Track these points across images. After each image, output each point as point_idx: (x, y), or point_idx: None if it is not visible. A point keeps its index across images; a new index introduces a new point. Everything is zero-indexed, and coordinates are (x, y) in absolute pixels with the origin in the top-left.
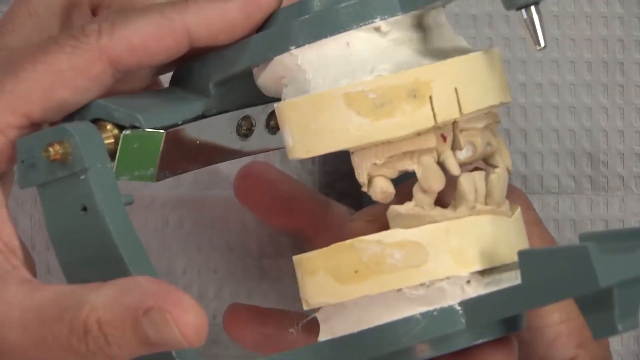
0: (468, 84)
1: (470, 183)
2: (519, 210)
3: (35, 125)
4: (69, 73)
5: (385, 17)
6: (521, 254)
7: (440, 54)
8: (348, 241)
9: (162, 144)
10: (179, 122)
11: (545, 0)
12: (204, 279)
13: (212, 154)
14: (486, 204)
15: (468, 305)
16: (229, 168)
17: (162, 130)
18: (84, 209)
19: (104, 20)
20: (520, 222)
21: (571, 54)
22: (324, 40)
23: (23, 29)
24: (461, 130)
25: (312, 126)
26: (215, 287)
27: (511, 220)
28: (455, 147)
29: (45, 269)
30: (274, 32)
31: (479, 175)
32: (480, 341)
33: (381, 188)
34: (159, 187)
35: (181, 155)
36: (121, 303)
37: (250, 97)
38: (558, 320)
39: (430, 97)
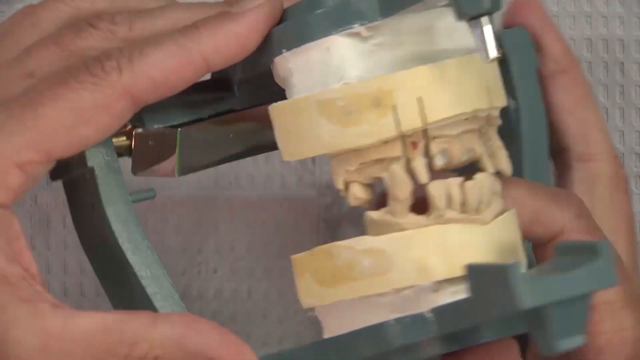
0: (434, 93)
1: (439, 190)
2: (505, 215)
3: (53, 162)
4: (92, 111)
5: (365, 22)
6: (469, 267)
7: (431, 59)
8: (326, 245)
9: (178, 141)
10: (198, 119)
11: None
12: (203, 278)
13: (239, 149)
14: (463, 211)
15: (437, 312)
16: (229, 169)
17: (177, 129)
18: (92, 205)
19: (121, 56)
20: (506, 227)
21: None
22: (308, 45)
23: (24, 41)
24: (433, 138)
25: (293, 131)
26: (215, 287)
27: (487, 228)
28: (427, 154)
29: (45, 269)
30: (275, 33)
31: (453, 182)
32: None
33: (354, 194)
34: (158, 187)
35: (206, 150)
36: (182, 346)
37: (275, 93)
38: (610, 329)
39: (394, 107)
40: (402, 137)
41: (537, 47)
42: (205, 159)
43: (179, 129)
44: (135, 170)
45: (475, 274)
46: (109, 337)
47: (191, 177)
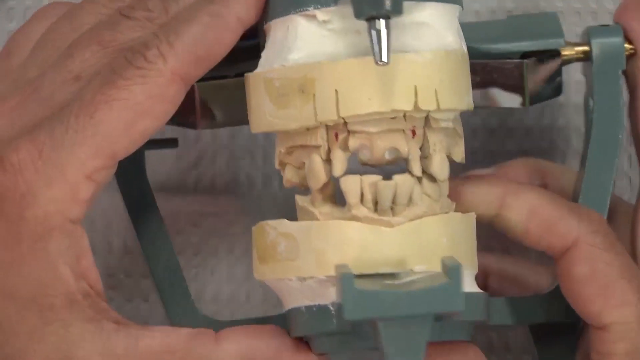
0: (352, 87)
1: (350, 186)
2: (426, 220)
3: (118, 163)
4: (147, 104)
5: (319, 6)
6: (338, 270)
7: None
8: (262, 222)
9: (197, 95)
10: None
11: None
12: (201, 280)
13: None
14: (376, 210)
15: (336, 307)
16: (228, 169)
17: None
18: None
19: (159, 42)
20: (424, 231)
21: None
22: (276, 20)
23: (64, 44)
24: (353, 132)
25: (251, 104)
26: (212, 290)
27: (392, 230)
28: (343, 147)
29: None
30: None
31: (365, 180)
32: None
33: (286, 176)
34: (158, 187)
35: (225, 107)
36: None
37: None
38: (623, 351)
39: (314, 95)
40: (327, 127)
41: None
42: (236, 116)
43: (196, 83)
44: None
45: (339, 277)
46: (174, 358)
47: (191, 177)
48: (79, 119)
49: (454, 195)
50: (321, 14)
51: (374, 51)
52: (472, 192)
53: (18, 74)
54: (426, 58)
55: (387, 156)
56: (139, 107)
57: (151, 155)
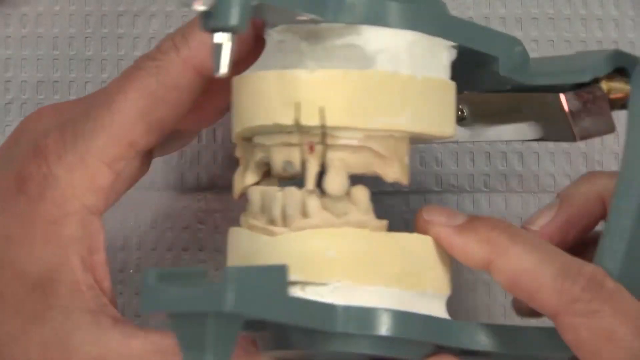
0: (247, 101)
1: (251, 195)
2: (299, 234)
3: (139, 154)
4: (161, 92)
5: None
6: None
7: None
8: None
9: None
10: None
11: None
12: None
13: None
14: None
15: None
16: (230, 169)
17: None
18: None
19: (174, 35)
20: (305, 243)
21: None
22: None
23: None
24: (257, 145)
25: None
26: None
27: (272, 240)
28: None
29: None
30: None
31: (255, 189)
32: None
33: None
34: (158, 186)
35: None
36: None
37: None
38: None
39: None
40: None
41: None
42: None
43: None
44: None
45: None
46: (164, 359)
47: (191, 177)
48: (99, 109)
49: (446, 243)
50: (274, 33)
51: (214, 63)
52: (461, 247)
53: None
54: (314, 76)
55: (289, 169)
56: (153, 96)
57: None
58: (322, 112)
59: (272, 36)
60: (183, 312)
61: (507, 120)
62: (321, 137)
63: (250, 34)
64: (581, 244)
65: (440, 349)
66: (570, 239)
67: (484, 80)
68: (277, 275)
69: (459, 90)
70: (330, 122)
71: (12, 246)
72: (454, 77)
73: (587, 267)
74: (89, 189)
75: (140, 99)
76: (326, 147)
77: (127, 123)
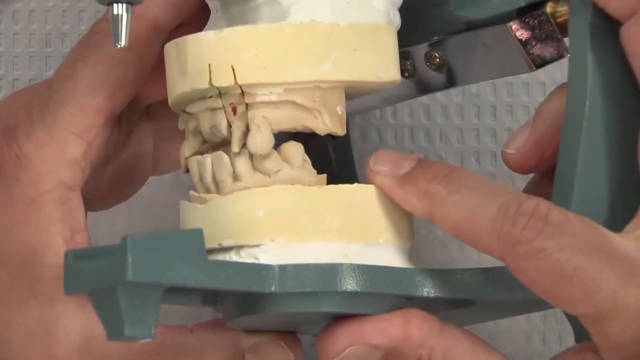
0: (169, 71)
1: (190, 166)
2: (225, 198)
3: (108, 120)
4: (119, 52)
5: None
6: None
7: None
8: None
9: None
10: None
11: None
12: None
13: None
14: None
15: None
16: None
17: None
18: None
19: None
20: (225, 209)
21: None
22: None
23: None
24: (187, 113)
25: None
26: None
27: (203, 207)
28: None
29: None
30: None
31: (199, 160)
32: None
33: None
34: (159, 186)
35: None
36: (229, 347)
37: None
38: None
39: None
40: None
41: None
42: None
43: None
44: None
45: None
46: (149, 343)
47: (184, 176)
48: (61, 80)
49: (390, 194)
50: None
51: (113, 35)
52: (402, 199)
53: None
54: (222, 36)
55: (217, 134)
56: (112, 58)
57: None
58: (233, 71)
59: (210, 3)
60: (97, 289)
61: (471, 62)
62: (240, 97)
63: (197, 2)
64: None
65: (410, 302)
66: (549, 157)
67: (442, 24)
68: (190, 239)
69: (422, 39)
70: (243, 80)
71: None
72: (411, 25)
73: (528, 203)
74: (62, 163)
75: (100, 63)
76: (248, 106)
77: (90, 89)
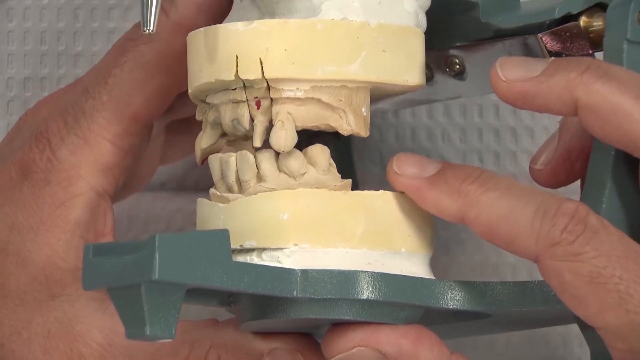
0: (192, 60)
1: (211, 164)
2: (249, 199)
3: (144, 127)
4: (155, 60)
5: None
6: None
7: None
8: None
9: None
10: None
11: None
12: None
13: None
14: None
15: None
16: None
17: None
18: None
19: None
20: (249, 210)
21: None
22: None
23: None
24: (210, 105)
25: None
26: None
27: (224, 208)
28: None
29: None
30: None
31: (222, 158)
32: None
33: None
34: (158, 186)
35: None
36: (242, 345)
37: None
38: (622, 348)
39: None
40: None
41: None
42: None
43: None
44: None
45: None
46: (167, 345)
47: (191, 177)
48: (96, 87)
49: (418, 197)
50: None
51: (142, 21)
52: (433, 200)
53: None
54: (251, 27)
55: (238, 127)
56: (148, 65)
57: None
58: (261, 64)
59: None
60: (119, 286)
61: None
62: (266, 91)
63: (227, 5)
64: None
65: (429, 313)
66: (579, 170)
67: (467, 30)
68: (217, 240)
69: (444, 44)
70: (270, 74)
71: (17, 235)
72: (435, 30)
73: (568, 205)
74: (94, 169)
75: (136, 70)
76: (272, 101)
77: (126, 97)
